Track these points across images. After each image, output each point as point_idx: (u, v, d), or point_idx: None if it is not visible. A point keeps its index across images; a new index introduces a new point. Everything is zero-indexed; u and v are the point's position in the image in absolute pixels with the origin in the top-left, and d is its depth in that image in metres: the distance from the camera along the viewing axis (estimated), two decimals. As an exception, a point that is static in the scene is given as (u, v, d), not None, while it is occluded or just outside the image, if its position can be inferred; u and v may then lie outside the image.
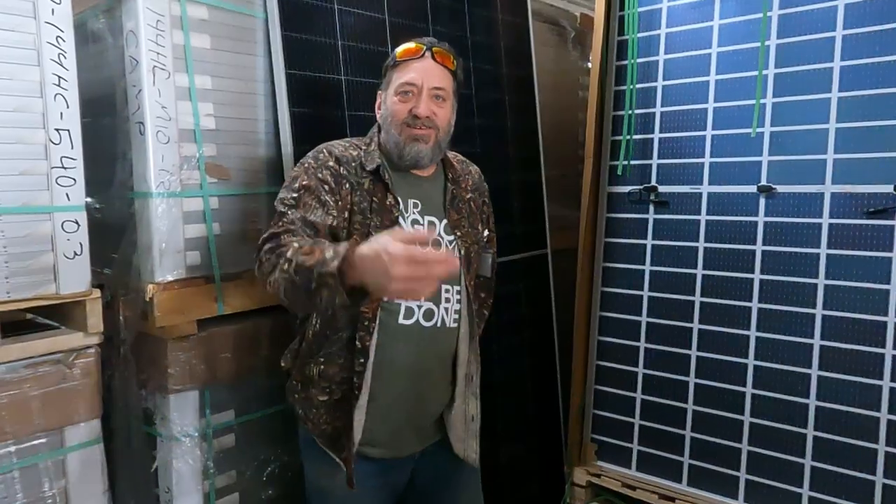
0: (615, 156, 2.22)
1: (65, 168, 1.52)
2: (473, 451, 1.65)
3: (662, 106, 2.14)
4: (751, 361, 1.96)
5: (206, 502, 1.86)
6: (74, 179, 1.54)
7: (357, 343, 1.49)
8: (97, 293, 1.59)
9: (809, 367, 1.87)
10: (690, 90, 2.07)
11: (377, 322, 1.49)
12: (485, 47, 2.46)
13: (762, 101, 1.93)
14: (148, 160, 1.70)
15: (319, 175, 1.49)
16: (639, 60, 2.17)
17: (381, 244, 1.15)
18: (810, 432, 1.87)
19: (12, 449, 1.49)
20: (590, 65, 2.44)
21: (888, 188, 1.75)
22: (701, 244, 2.05)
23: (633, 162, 2.19)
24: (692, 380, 2.07)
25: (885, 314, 1.76)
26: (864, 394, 1.79)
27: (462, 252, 1.60)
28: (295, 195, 1.47)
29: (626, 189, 2.20)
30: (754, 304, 1.96)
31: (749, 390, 1.97)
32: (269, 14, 1.89)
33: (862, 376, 1.79)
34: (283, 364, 1.64)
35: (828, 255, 1.84)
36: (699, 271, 2.06)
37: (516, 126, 2.57)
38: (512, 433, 2.45)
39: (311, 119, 1.92)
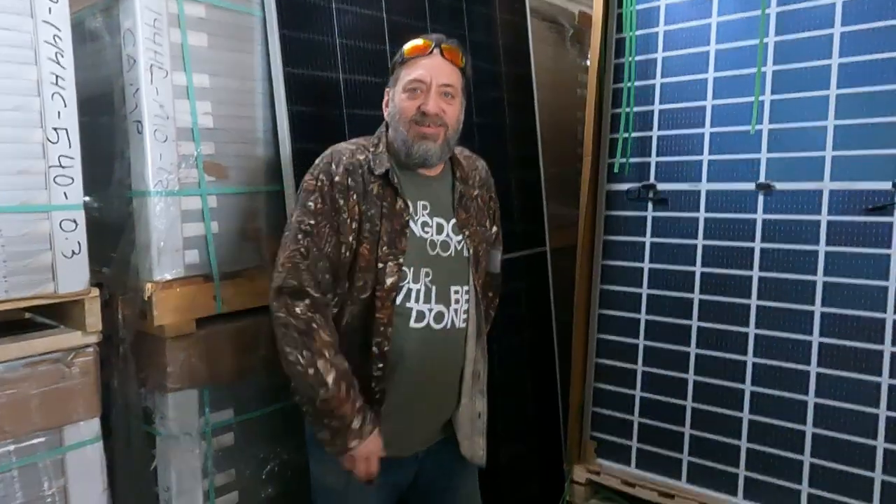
0: (614, 153, 2.22)
1: (63, 167, 1.52)
2: (480, 449, 1.65)
3: (661, 103, 2.13)
4: (750, 358, 1.96)
5: (206, 501, 1.86)
6: (72, 178, 1.53)
7: (375, 349, 1.49)
8: (96, 292, 1.59)
9: (808, 363, 1.87)
10: (689, 87, 2.07)
11: (392, 327, 1.50)
12: (483, 45, 2.46)
13: (761, 98, 1.93)
14: (146, 159, 1.70)
15: (332, 195, 1.49)
16: (637, 58, 2.17)
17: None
18: (809, 429, 1.87)
19: (11, 448, 1.48)
20: (588, 63, 2.44)
21: (887, 185, 1.75)
22: (700, 241, 2.05)
23: (631, 160, 2.19)
24: (691, 377, 2.07)
25: (884, 311, 1.76)
26: (863, 390, 1.79)
27: (470, 251, 1.60)
28: (312, 221, 1.47)
29: (625, 187, 2.20)
30: (753, 302, 1.96)
31: (748, 387, 1.97)
32: (266, 12, 1.89)
33: (861, 373, 1.79)
34: None
35: (826, 252, 1.84)
36: (698, 269, 2.06)
37: (515, 124, 2.57)
38: (511, 431, 2.45)
39: (309, 117, 1.92)
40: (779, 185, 1.91)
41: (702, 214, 2.05)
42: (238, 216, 1.89)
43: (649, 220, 2.16)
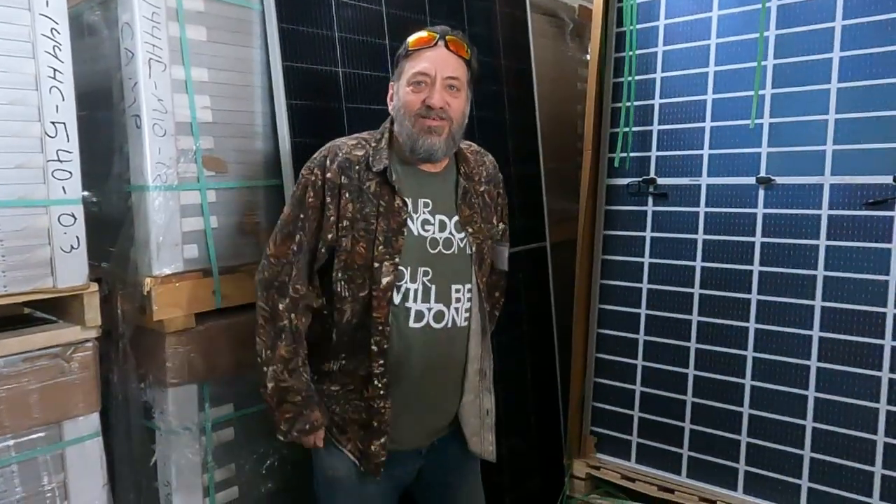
0: (614, 148, 2.22)
1: (61, 161, 1.51)
2: (490, 444, 1.65)
3: (661, 98, 2.13)
4: (750, 353, 1.96)
5: (206, 496, 1.86)
6: (71, 173, 1.53)
7: (374, 347, 1.49)
8: (95, 287, 1.58)
9: (808, 358, 1.87)
10: (689, 82, 2.07)
11: (390, 326, 1.50)
12: (483, 39, 2.45)
13: (761, 92, 1.93)
14: (144, 153, 1.69)
15: (322, 191, 1.50)
16: (637, 52, 2.16)
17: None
18: (809, 423, 1.87)
19: (11, 443, 1.48)
20: (588, 57, 2.43)
21: (887, 179, 1.75)
22: (700, 236, 2.05)
23: (631, 154, 2.18)
24: (691, 372, 2.07)
25: (884, 305, 1.76)
26: (863, 385, 1.79)
27: (474, 248, 1.58)
28: (302, 215, 1.51)
29: (625, 181, 2.20)
30: (753, 296, 1.95)
31: (748, 382, 1.97)
32: (265, 5, 1.88)
33: (861, 367, 1.79)
34: None
35: (827, 247, 1.84)
36: (698, 263, 2.05)
37: (515, 118, 2.56)
38: (512, 426, 2.45)
39: (308, 111, 1.91)
40: (779, 180, 1.91)
41: (702, 209, 2.04)
42: (237, 211, 1.89)
43: (649, 214, 2.15)
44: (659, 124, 2.13)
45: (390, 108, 1.58)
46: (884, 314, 1.76)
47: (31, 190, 1.49)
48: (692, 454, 2.08)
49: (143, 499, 1.85)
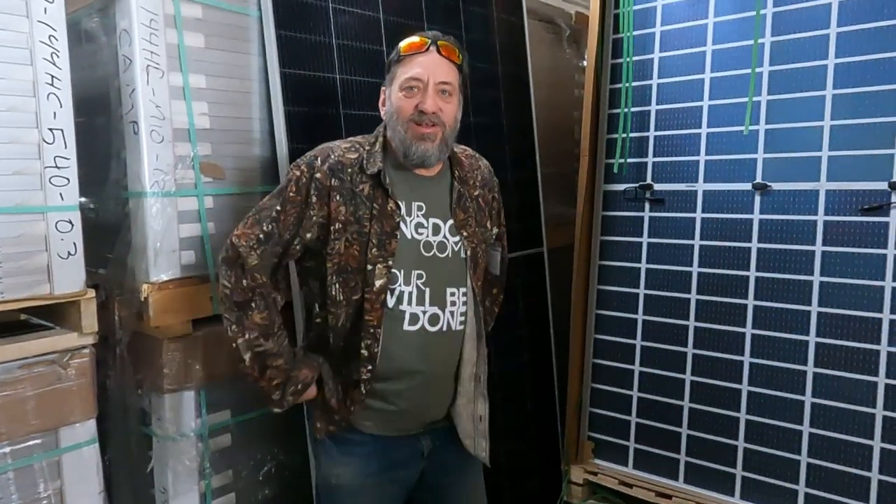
0: (611, 154, 2.22)
1: (58, 168, 1.51)
2: (483, 450, 1.65)
3: (658, 104, 2.14)
4: (746, 359, 1.97)
5: (203, 502, 1.85)
6: (68, 179, 1.53)
7: (364, 351, 1.49)
8: (92, 293, 1.58)
9: (805, 363, 1.87)
10: (685, 88, 2.07)
11: (382, 329, 1.49)
12: (480, 45, 2.46)
13: (757, 98, 1.93)
14: (142, 160, 1.69)
15: (307, 189, 1.50)
16: (634, 58, 2.17)
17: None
18: (806, 429, 1.88)
19: (7, 450, 1.48)
20: (585, 63, 2.44)
21: (883, 185, 1.76)
22: (696, 242, 2.05)
23: (628, 160, 2.19)
24: (688, 377, 2.07)
25: (881, 311, 1.76)
26: (860, 390, 1.79)
27: (468, 252, 1.59)
28: (279, 208, 1.50)
29: (622, 187, 2.21)
30: (750, 302, 1.96)
31: (745, 387, 1.97)
32: (263, 12, 1.88)
33: (857, 373, 1.80)
34: None
35: (823, 252, 1.84)
36: (695, 269, 2.06)
37: (512, 124, 2.57)
38: (509, 431, 2.45)
39: (305, 118, 1.92)
40: (775, 186, 1.92)
41: (698, 215, 2.05)
42: (234, 217, 1.88)
43: (646, 220, 2.16)
44: (655, 130, 2.14)
45: (382, 113, 1.59)
46: (880, 319, 1.77)
47: (29, 196, 1.49)
48: (689, 460, 2.08)
49: (140, 505, 1.85)
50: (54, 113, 1.50)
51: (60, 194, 1.52)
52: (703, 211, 2.04)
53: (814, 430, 1.86)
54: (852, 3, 1.80)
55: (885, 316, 1.76)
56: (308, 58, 1.93)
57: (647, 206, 2.15)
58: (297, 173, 1.51)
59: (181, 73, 1.76)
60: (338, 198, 1.50)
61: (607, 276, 2.25)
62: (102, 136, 1.80)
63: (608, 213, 2.25)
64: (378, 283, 1.48)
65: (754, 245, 1.95)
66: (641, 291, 2.17)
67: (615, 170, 2.20)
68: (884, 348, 1.76)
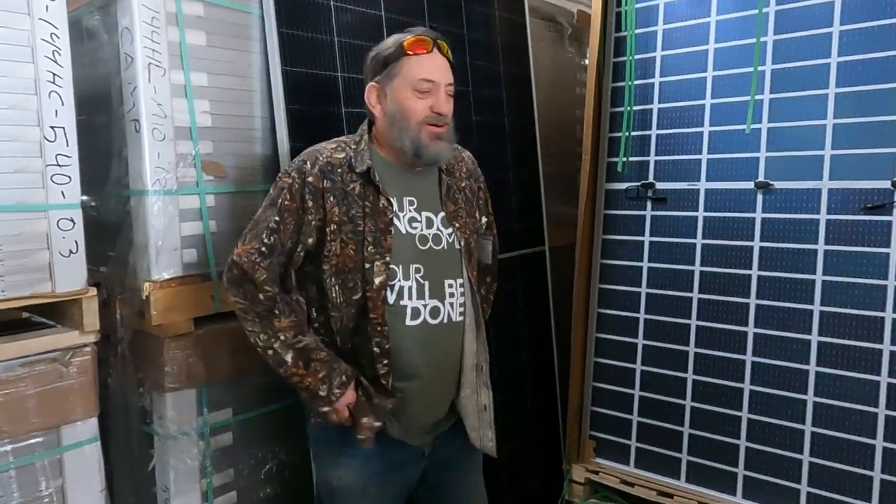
0: (613, 152, 2.22)
1: (60, 166, 1.51)
2: (490, 441, 1.65)
3: (660, 102, 2.13)
4: (749, 358, 1.96)
5: (204, 501, 1.85)
6: (70, 177, 1.53)
7: (376, 349, 1.50)
8: (93, 291, 1.58)
9: (807, 363, 1.87)
10: (688, 86, 2.07)
11: (388, 325, 1.50)
12: (482, 44, 2.46)
13: (759, 96, 1.93)
14: (144, 158, 1.69)
15: (302, 194, 1.49)
16: (636, 57, 2.16)
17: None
18: (808, 428, 1.87)
19: (8, 448, 1.48)
20: (587, 61, 2.44)
21: (885, 184, 1.75)
22: (699, 241, 2.05)
23: (630, 158, 2.18)
24: (690, 376, 2.07)
25: (883, 310, 1.76)
26: (862, 389, 1.79)
27: (462, 243, 1.60)
28: (277, 218, 1.48)
29: (624, 186, 2.20)
30: (752, 301, 1.96)
31: (747, 386, 1.97)
32: (265, 11, 1.88)
33: (859, 372, 1.79)
34: None
35: (825, 251, 1.84)
36: (697, 268, 2.05)
37: (514, 123, 2.57)
38: (511, 429, 2.45)
39: (307, 116, 1.91)
40: (778, 184, 1.91)
41: (701, 213, 2.05)
42: (236, 215, 1.89)
43: (648, 219, 2.16)
44: (658, 129, 2.14)
45: (374, 110, 1.56)
46: (882, 318, 1.76)
47: (30, 194, 1.49)
48: (691, 458, 2.07)
49: (141, 504, 1.85)
50: (56, 111, 1.50)
51: (62, 192, 1.52)
52: (706, 210, 2.04)
53: (816, 430, 1.86)
54: (855, 1, 1.79)
55: (888, 315, 1.75)
56: (310, 56, 1.93)
57: (649, 204, 2.15)
58: (289, 181, 1.50)
59: (183, 71, 1.76)
60: (332, 199, 1.50)
61: (609, 275, 2.25)
62: (104, 134, 1.80)
63: (610, 212, 2.24)
64: (377, 279, 1.48)
65: (756, 244, 1.95)
66: (643, 290, 2.17)
67: (617, 168, 2.20)
68: (886, 347, 1.76)
